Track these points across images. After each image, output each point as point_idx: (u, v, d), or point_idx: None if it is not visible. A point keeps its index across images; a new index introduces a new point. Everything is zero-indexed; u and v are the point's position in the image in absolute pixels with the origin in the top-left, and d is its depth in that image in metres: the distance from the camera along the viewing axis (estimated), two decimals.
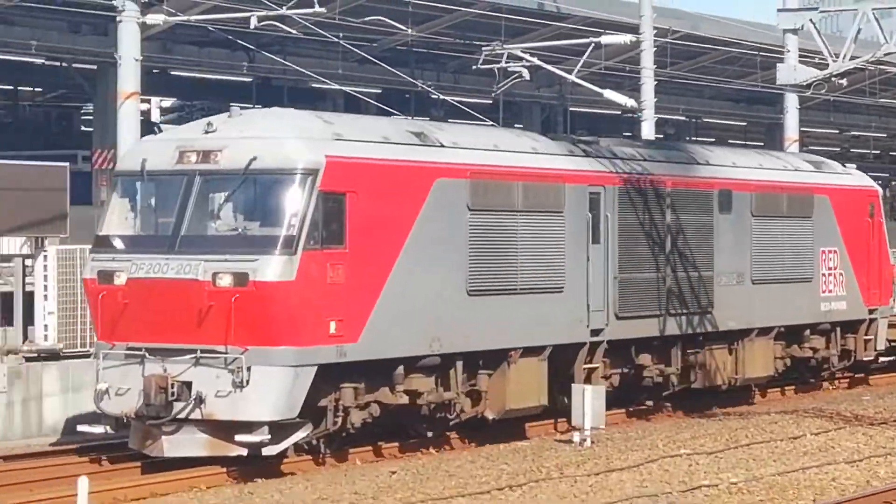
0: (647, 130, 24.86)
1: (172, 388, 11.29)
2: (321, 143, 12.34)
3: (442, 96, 29.68)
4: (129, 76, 17.72)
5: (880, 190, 22.51)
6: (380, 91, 34.46)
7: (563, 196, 15.73)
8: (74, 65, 32.80)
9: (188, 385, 11.40)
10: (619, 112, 33.04)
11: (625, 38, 23.82)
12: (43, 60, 32.88)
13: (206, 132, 12.61)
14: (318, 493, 11.16)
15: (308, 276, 11.61)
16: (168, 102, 45.50)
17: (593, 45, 23.57)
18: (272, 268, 11.41)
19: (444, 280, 13.90)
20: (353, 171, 12.43)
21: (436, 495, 10.09)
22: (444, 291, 13.91)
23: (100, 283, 12.14)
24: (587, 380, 15.80)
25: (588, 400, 14.29)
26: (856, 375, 22.39)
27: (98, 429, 12.40)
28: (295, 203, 11.78)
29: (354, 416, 12.62)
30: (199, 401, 11.37)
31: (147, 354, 11.77)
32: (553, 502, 9.92)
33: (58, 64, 33.59)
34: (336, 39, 24.61)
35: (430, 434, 14.45)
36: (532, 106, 39.12)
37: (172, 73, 34.90)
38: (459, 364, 14.09)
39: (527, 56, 22.70)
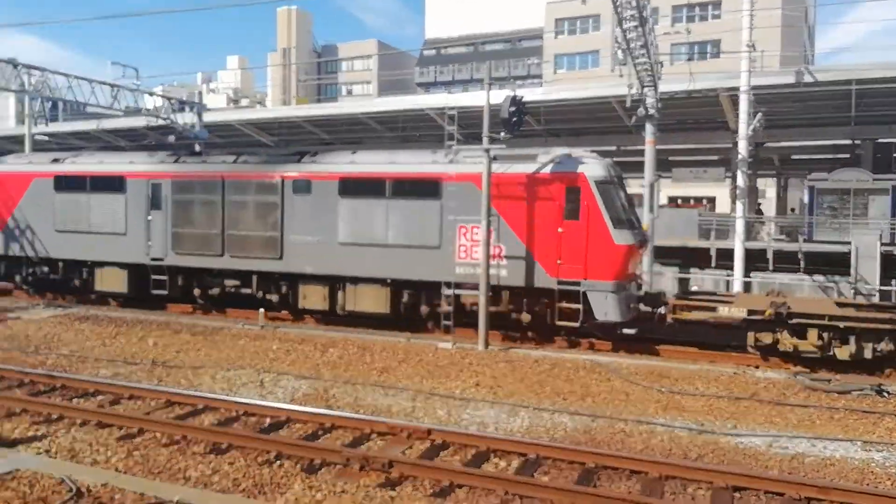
0: None
1: None
2: None
3: None
4: None
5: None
6: None
7: (125, 184, 26.50)
8: None
9: None
10: None
11: None
12: None
13: None
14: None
15: None
16: None
17: None
18: None
19: (41, 224, 27.35)
20: None
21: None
22: (42, 229, 27.40)
23: None
24: (160, 285, 25.69)
25: None
26: None
27: None
28: None
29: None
30: None
31: None
32: None
33: None
34: None
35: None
36: None
37: None
38: (60, 264, 27.53)
39: None
